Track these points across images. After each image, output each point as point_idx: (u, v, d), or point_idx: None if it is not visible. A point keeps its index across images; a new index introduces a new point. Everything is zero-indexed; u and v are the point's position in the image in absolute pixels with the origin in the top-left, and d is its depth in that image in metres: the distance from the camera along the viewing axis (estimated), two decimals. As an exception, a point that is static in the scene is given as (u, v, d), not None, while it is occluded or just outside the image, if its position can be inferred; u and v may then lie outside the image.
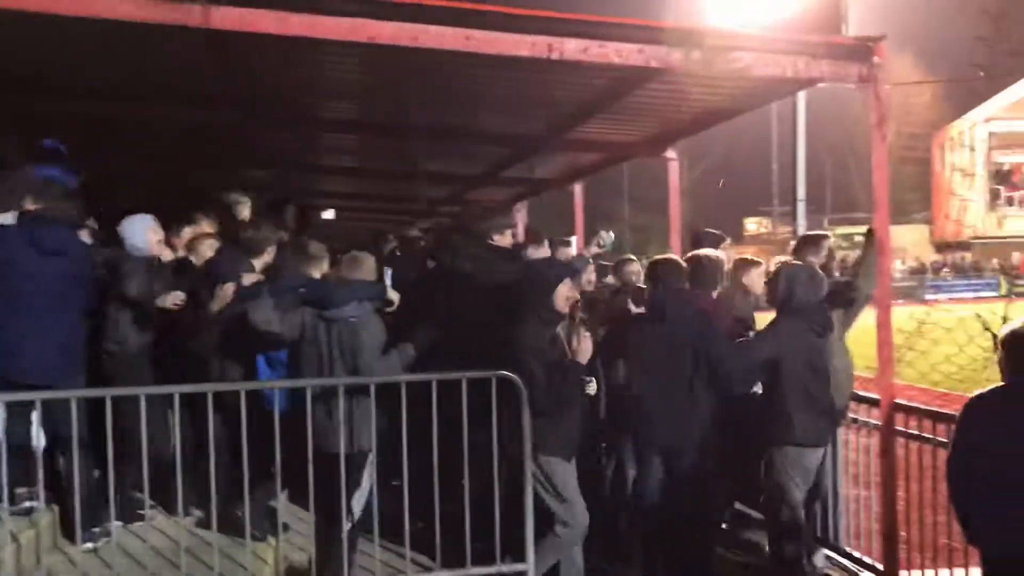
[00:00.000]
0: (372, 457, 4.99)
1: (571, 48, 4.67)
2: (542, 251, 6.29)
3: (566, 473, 4.92)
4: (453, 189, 13.32)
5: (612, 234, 6.13)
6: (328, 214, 15.00)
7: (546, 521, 4.95)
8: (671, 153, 8.42)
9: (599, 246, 6.02)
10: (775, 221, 47.35)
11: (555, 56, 4.65)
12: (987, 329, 6.42)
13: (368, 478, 5.01)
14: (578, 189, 11.20)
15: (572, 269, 5.27)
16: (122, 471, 4.78)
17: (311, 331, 5.02)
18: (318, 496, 4.81)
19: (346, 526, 4.90)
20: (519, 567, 4.99)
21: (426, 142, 9.30)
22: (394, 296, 5.36)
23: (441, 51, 4.61)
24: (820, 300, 5.22)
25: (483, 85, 6.50)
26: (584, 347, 4.82)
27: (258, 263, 5.60)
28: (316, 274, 5.44)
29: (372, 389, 4.87)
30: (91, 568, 4.84)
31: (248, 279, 5.39)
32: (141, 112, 7.69)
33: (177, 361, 5.54)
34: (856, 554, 5.52)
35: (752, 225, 48.06)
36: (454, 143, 9.14)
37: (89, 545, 5.00)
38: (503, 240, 5.88)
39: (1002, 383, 3.70)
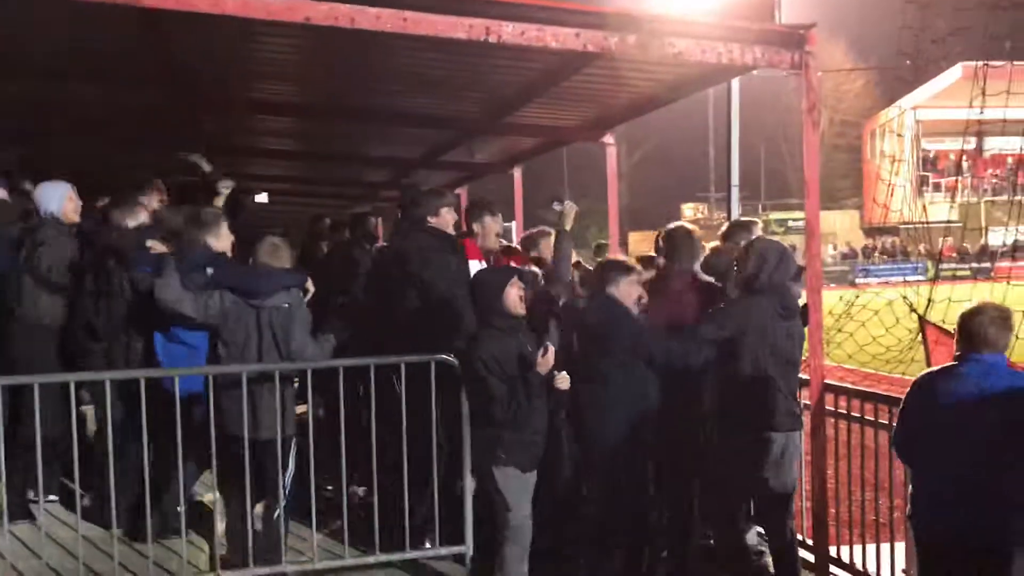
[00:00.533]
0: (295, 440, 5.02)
1: (508, 31, 4.65)
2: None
3: (521, 485, 4.65)
4: (392, 172, 13.23)
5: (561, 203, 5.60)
6: (261, 197, 14.72)
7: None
8: (609, 138, 8.48)
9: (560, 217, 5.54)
10: (712, 207, 48.01)
11: (492, 39, 4.62)
12: (913, 311, 6.67)
13: (293, 461, 4.99)
14: (517, 174, 11.23)
15: (518, 270, 5.02)
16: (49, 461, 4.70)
17: (235, 317, 4.93)
18: (242, 481, 4.79)
19: (280, 508, 4.88)
20: (457, 549, 5.03)
21: (364, 124, 9.21)
22: (310, 286, 5.29)
23: (378, 32, 4.57)
24: (788, 281, 4.97)
25: (421, 67, 6.46)
26: (547, 359, 4.54)
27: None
28: (213, 241, 5.29)
29: (309, 375, 4.86)
30: (20, 558, 4.73)
31: (153, 246, 5.28)
32: (72, 92, 7.49)
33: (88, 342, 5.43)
34: (787, 530, 5.66)
35: (689, 211, 48.61)
36: (392, 126, 9.06)
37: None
38: (441, 221, 5.64)
39: (951, 363, 3.70)
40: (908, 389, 3.80)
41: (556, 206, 5.54)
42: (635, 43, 4.93)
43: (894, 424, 4.64)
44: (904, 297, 6.73)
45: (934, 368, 3.85)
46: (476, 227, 5.84)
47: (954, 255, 36.96)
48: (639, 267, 5.24)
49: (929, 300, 6.68)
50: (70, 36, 5.79)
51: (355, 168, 13.31)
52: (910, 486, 3.88)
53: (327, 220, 9.71)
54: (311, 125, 9.80)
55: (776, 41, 5.19)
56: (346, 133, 10.22)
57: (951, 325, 6.38)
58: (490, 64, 6.29)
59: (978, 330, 3.57)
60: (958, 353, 3.65)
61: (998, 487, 3.46)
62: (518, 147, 10.33)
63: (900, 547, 4.84)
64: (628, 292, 5.04)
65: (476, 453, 4.83)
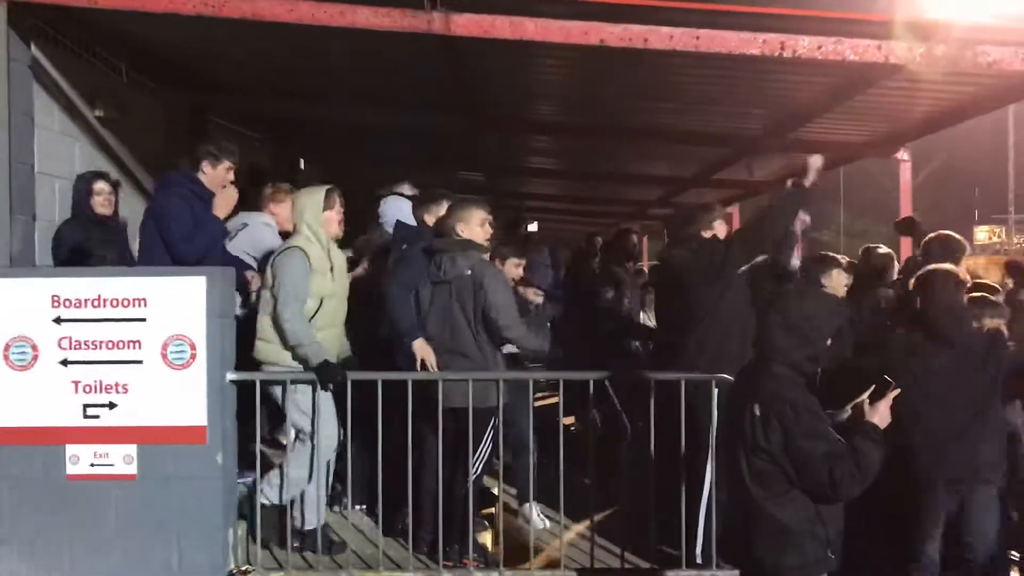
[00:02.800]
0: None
1: (804, 46, 4.52)
2: None
3: None
4: (663, 191, 13.24)
5: None
6: (532, 227, 15.15)
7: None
8: (903, 154, 7.99)
9: None
10: (1011, 230, 43.59)
11: (787, 54, 4.52)
12: None
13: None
14: (795, 192, 10.82)
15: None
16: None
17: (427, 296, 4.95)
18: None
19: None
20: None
21: (639, 143, 9.30)
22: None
23: (667, 52, 4.61)
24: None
25: (705, 85, 6.44)
26: (882, 411, 3.19)
27: None
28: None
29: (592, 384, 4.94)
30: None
31: None
32: (372, 116, 8.16)
33: None
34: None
35: (983, 234, 44.56)
36: (667, 144, 9.08)
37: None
38: (710, 233, 5.34)
39: None
40: None
41: None
42: (944, 54, 4.62)
43: None
44: None
45: None
46: None
47: None
48: None
49: None
50: (375, 65, 6.31)
51: (624, 187, 13.46)
52: None
53: (599, 239, 9.88)
54: (583, 145, 10.04)
55: (1113, 44, 4.66)
56: (617, 152, 10.37)
57: None
58: (777, 79, 6.14)
59: None
60: None
61: None
62: (799, 164, 9.96)
63: None
64: None
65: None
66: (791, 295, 3.61)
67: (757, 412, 3.15)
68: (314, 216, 4.78)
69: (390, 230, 5.67)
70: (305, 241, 4.74)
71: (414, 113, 8.05)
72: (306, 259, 4.67)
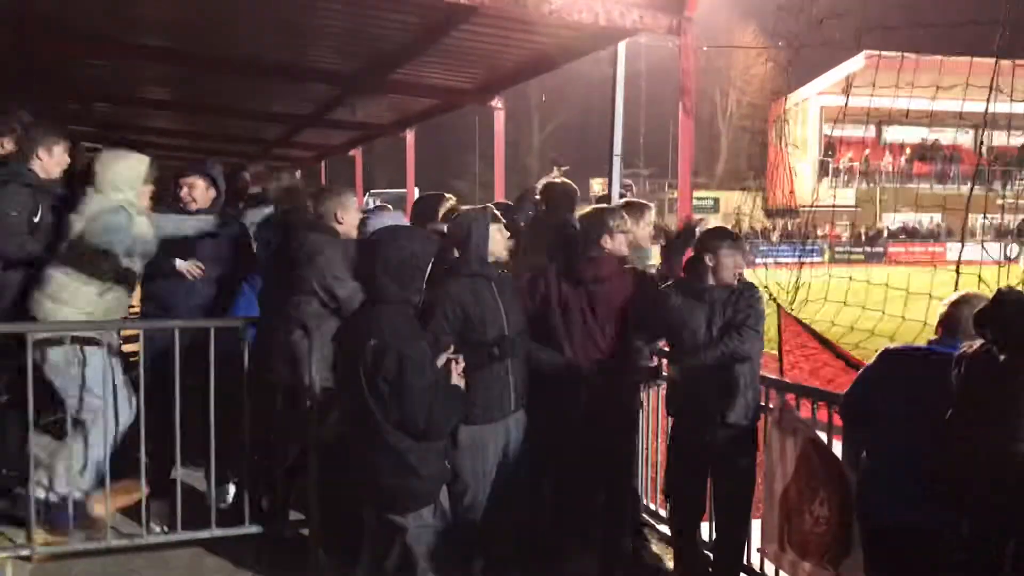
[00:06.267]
0: None
1: (379, -24, 4.41)
2: None
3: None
4: (284, 129, 12.77)
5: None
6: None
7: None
8: (497, 102, 8.29)
9: None
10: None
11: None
12: (772, 298, 6.66)
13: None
14: (410, 136, 10.93)
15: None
16: None
17: None
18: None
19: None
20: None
21: (249, 77, 8.77)
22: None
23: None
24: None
25: (303, 17, 6.18)
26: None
27: None
28: None
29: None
30: None
31: None
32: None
33: None
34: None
35: (597, 186, 49.04)
36: (274, 79, 8.66)
37: None
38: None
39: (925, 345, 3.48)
40: (876, 357, 3.64)
41: None
42: (509, -3, 4.74)
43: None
44: (765, 287, 6.66)
45: (907, 346, 3.70)
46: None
47: (841, 239, 38.25)
48: None
49: (797, 285, 6.74)
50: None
51: (244, 123, 12.77)
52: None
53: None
54: (193, 76, 9.27)
55: (656, 4, 5.08)
56: (230, 86, 9.74)
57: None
58: (371, 15, 6.02)
59: (960, 319, 3.35)
60: (936, 338, 3.52)
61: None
62: (409, 108, 10.04)
63: (756, 524, 4.79)
64: None
65: None
66: (384, 240, 3.47)
67: (373, 345, 3.20)
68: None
69: None
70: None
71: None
72: None
